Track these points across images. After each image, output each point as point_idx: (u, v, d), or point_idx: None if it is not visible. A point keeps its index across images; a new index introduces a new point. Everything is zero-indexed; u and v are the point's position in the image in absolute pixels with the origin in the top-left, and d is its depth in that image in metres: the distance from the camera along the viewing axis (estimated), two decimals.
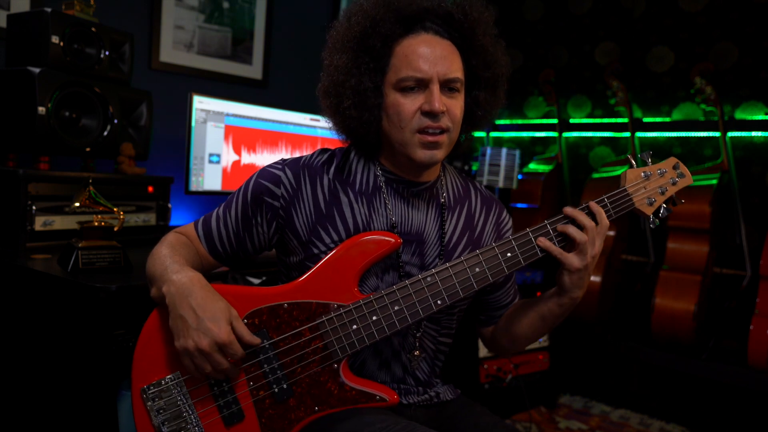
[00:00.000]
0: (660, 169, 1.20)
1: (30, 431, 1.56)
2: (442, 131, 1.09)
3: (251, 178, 1.17)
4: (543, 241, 1.10)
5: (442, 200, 1.22)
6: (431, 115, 1.07)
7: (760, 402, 2.72)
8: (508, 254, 1.11)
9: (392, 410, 1.14)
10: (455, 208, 1.23)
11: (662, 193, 1.19)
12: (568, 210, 1.12)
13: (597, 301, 3.10)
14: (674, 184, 1.20)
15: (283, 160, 1.18)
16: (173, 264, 1.06)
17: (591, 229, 1.09)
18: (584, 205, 1.14)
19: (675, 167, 1.21)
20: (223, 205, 1.20)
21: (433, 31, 1.11)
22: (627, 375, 3.15)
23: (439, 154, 1.11)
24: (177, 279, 1.03)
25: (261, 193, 1.14)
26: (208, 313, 0.99)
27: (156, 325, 1.09)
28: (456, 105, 1.11)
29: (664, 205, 1.20)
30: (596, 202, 1.15)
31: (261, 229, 1.16)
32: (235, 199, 1.17)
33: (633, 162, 1.21)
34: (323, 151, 1.22)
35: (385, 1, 1.11)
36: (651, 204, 1.18)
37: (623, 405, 3.03)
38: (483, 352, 2.63)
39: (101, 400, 1.39)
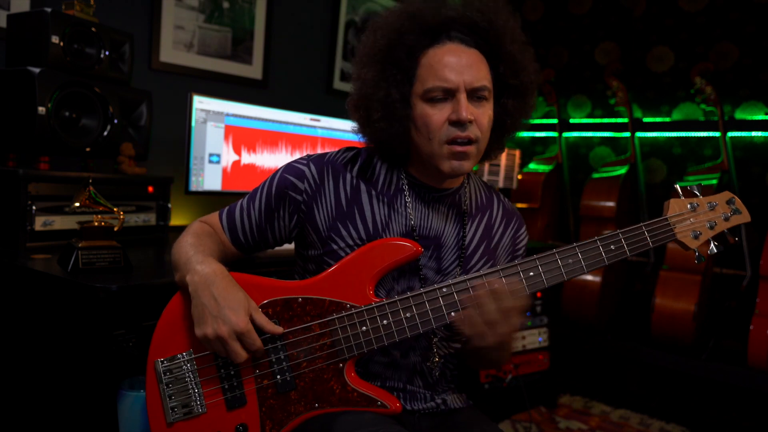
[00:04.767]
0: (710, 203, 1.13)
1: (30, 431, 1.56)
2: (470, 141, 1.09)
3: (277, 172, 1.20)
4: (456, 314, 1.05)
5: (464, 207, 1.22)
6: (458, 124, 1.07)
7: (760, 402, 2.72)
8: (531, 273, 1.08)
9: (394, 417, 1.13)
10: (476, 216, 1.23)
11: (711, 228, 1.12)
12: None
13: (597, 301, 3.10)
14: (727, 219, 1.13)
15: (309, 156, 1.20)
16: (197, 254, 1.11)
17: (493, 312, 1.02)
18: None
19: (729, 202, 1.14)
20: (247, 197, 1.22)
21: (458, 40, 1.10)
22: (627, 375, 3.15)
23: (467, 165, 1.10)
24: (201, 269, 1.07)
25: (285, 188, 1.17)
26: (227, 302, 1.03)
27: (177, 306, 1.13)
28: (483, 114, 1.10)
29: (715, 243, 1.13)
30: (631, 230, 1.10)
31: (283, 222, 1.18)
32: (259, 192, 1.20)
33: (680, 192, 1.14)
34: (348, 149, 1.23)
35: (410, 13, 1.11)
36: (696, 237, 1.12)
37: (623, 405, 3.03)
38: None
39: (101, 400, 1.39)
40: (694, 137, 3.24)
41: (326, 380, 1.09)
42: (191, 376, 1.09)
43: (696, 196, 1.14)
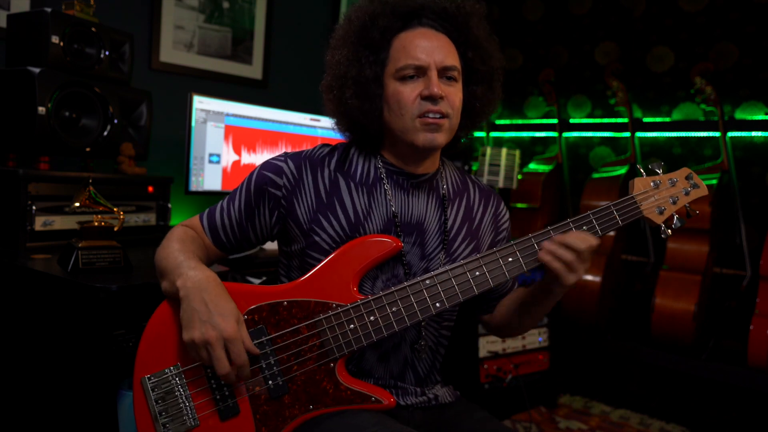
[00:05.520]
0: (671, 179, 1.18)
1: (30, 431, 1.56)
2: (442, 116, 1.12)
3: (255, 170, 1.21)
4: (544, 256, 1.08)
5: (443, 192, 1.24)
6: (431, 99, 1.11)
7: (760, 402, 2.72)
8: (510, 259, 1.11)
9: (389, 412, 1.14)
10: (455, 199, 1.26)
11: (674, 203, 1.17)
12: (559, 237, 1.09)
13: (597, 301, 3.10)
14: (687, 194, 1.18)
15: (286, 153, 1.22)
16: (188, 260, 1.10)
17: (587, 249, 1.07)
18: (574, 224, 1.12)
19: (688, 177, 1.19)
20: (227, 197, 1.23)
21: (429, 25, 1.16)
22: (627, 375, 3.15)
23: (440, 138, 1.13)
24: (193, 275, 1.06)
25: (264, 184, 1.17)
26: (218, 308, 1.02)
27: (163, 318, 1.11)
28: (454, 93, 1.14)
29: (677, 216, 1.18)
30: (601, 210, 1.14)
31: (263, 218, 1.19)
32: (238, 191, 1.21)
33: (642, 171, 1.20)
34: (324, 145, 1.25)
35: (383, 0, 1.17)
36: (661, 213, 1.17)
37: (623, 405, 3.03)
38: (483, 352, 2.63)
39: (101, 400, 1.39)
40: (694, 137, 3.24)
41: (318, 381, 1.09)
42: (181, 389, 1.07)
43: (657, 174, 1.19)
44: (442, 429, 1.20)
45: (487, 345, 2.65)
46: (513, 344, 2.71)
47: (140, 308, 1.43)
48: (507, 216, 1.34)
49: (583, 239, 1.07)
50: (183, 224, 1.24)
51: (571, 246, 1.06)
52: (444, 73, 1.13)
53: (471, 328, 2.62)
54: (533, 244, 1.11)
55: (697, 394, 2.92)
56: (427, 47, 1.12)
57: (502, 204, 1.34)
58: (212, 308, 1.02)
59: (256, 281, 1.83)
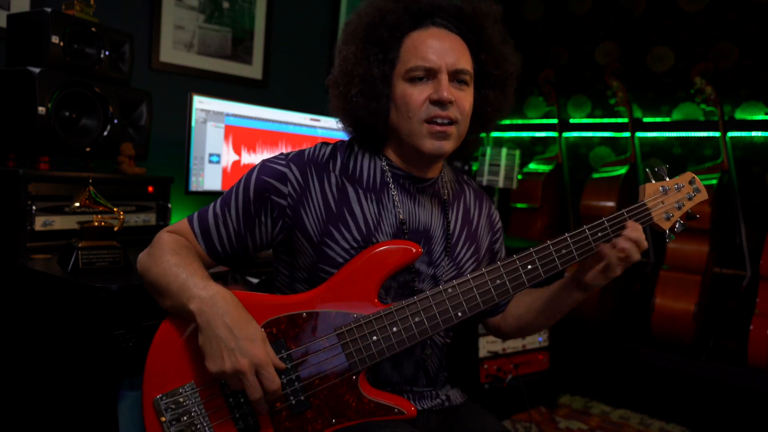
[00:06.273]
0: (677, 184, 1.19)
1: (30, 431, 1.56)
2: (450, 122, 1.09)
3: (251, 173, 1.12)
4: (604, 246, 1.11)
5: (444, 196, 1.23)
6: (439, 103, 1.07)
7: (760, 402, 2.72)
8: (529, 267, 1.10)
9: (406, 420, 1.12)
10: (454, 203, 1.25)
11: (679, 208, 1.18)
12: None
13: (597, 301, 3.10)
14: (690, 199, 1.19)
15: (285, 155, 1.15)
16: (193, 277, 1.02)
17: (641, 241, 1.11)
18: (623, 220, 1.15)
19: (691, 182, 1.20)
20: (219, 202, 1.13)
21: (442, 25, 1.12)
22: (627, 375, 3.15)
23: (447, 145, 1.11)
24: (206, 296, 0.99)
25: (266, 191, 1.10)
26: (244, 332, 0.97)
27: (167, 335, 1.06)
28: (464, 98, 1.11)
29: (680, 221, 1.18)
30: (615, 216, 1.14)
31: (265, 228, 1.12)
32: (234, 197, 1.12)
33: (651, 176, 1.20)
34: (324, 145, 1.19)
35: None
36: (668, 219, 1.17)
37: (623, 405, 3.03)
38: (483, 352, 2.63)
39: (101, 400, 1.39)
40: (694, 137, 3.24)
41: (341, 395, 1.05)
42: (197, 409, 1.02)
43: (664, 179, 1.19)
44: (452, 430, 1.19)
45: (487, 345, 2.64)
46: (513, 344, 2.71)
47: (140, 308, 1.43)
48: (498, 215, 1.34)
49: (641, 232, 1.11)
50: (169, 230, 1.14)
51: (636, 240, 1.09)
52: (455, 76, 1.09)
53: (471, 328, 2.62)
54: (551, 252, 1.11)
55: (697, 394, 2.92)
56: (439, 49, 1.08)
57: (493, 205, 1.34)
58: (237, 333, 0.96)
59: (255, 281, 1.83)
